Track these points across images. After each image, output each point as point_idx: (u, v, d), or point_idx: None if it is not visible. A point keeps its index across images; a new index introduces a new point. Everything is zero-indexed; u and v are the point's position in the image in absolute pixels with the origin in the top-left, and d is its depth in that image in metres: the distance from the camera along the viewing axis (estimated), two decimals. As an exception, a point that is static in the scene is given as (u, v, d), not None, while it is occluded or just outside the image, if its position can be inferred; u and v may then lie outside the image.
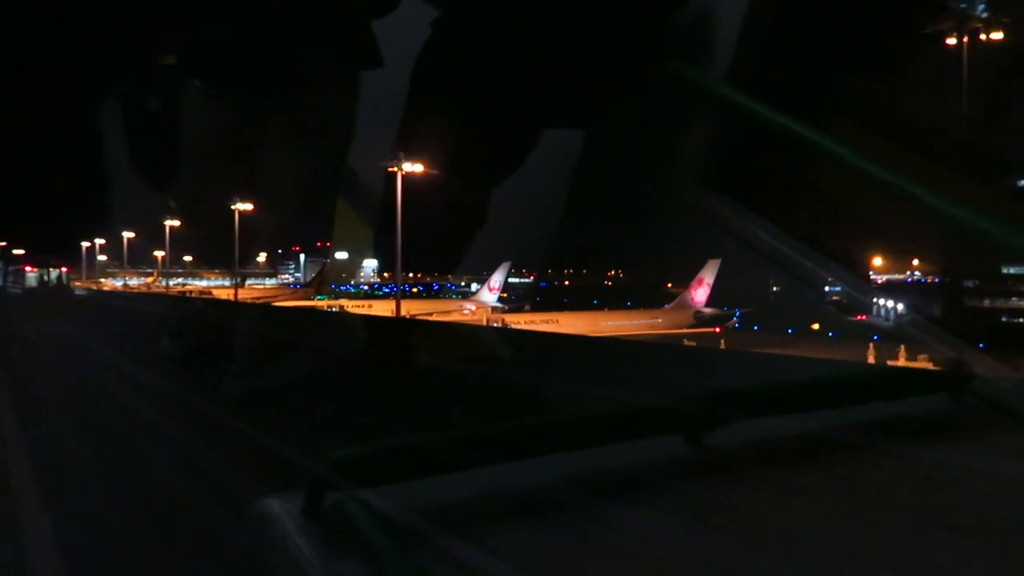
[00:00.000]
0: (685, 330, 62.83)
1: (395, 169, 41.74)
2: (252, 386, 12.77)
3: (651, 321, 67.80)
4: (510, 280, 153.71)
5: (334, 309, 60.08)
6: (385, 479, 1.96)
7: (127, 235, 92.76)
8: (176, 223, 77.79)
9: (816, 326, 55.33)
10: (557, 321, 58.73)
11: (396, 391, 12.32)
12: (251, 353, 15.06)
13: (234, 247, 61.61)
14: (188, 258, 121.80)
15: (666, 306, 74.75)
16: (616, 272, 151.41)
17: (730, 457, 2.34)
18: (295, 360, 13.67)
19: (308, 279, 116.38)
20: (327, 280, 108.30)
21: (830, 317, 61.19)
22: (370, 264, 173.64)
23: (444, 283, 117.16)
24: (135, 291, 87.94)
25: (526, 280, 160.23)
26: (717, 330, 64.02)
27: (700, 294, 77.09)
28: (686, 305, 74.51)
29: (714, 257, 78.00)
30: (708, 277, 77.37)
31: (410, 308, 66.78)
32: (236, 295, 66.94)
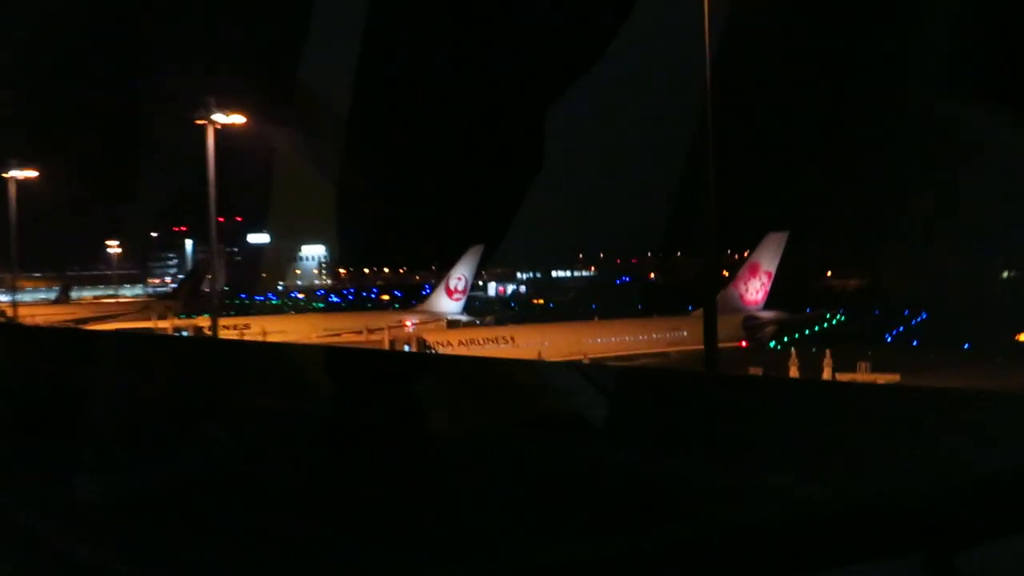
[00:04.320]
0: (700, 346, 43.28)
1: (204, 122, 31.65)
2: (121, 487, 8.83)
3: (669, 335, 45.84)
4: (562, 274, 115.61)
5: (184, 333, 45.21)
6: None
7: None
8: None
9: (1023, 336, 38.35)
10: (512, 339, 42.09)
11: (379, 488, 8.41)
12: (122, 427, 10.92)
13: (9, 233, 44.80)
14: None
15: (695, 310, 49.69)
16: (742, 256, 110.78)
17: None
18: (200, 434, 9.85)
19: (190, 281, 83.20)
20: (240, 286, 79.36)
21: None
22: (312, 254, 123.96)
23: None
24: None
25: (586, 274, 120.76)
26: (743, 344, 45.28)
27: (752, 289, 52.16)
28: (731, 307, 49.18)
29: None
30: (767, 262, 52.54)
31: (316, 326, 49.44)
32: (16, 313, 48.62)
